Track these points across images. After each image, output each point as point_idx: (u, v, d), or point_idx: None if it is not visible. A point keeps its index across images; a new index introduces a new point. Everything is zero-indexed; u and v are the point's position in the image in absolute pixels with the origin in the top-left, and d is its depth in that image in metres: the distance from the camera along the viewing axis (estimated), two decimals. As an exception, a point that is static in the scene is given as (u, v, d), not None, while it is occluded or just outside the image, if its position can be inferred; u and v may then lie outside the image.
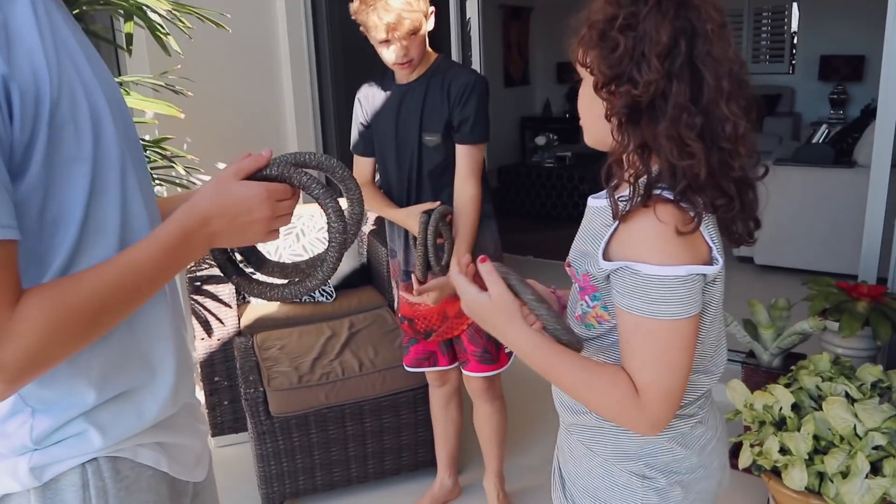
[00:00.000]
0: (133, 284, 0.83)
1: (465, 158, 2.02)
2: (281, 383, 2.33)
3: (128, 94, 2.00)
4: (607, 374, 1.01)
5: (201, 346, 2.76)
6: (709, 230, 1.00)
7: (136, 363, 0.92)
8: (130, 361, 0.91)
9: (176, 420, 0.99)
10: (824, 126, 5.65)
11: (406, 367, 2.29)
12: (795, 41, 7.88)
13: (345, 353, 2.52)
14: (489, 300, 1.06)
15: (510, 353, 2.20)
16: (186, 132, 3.27)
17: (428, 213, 1.89)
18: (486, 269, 1.07)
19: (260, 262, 1.10)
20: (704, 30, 0.95)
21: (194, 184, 3.24)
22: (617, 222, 1.01)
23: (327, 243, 1.01)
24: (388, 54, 1.94)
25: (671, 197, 0.97)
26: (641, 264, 0.96)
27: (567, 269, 1.17)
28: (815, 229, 4.52)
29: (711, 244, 1.00)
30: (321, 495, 2.50)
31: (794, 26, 7.86)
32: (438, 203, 1.98)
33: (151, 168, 2.20)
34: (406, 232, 2.12)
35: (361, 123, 2.14)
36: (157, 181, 2.06)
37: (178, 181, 2.60)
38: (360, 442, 2.44)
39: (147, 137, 2.83)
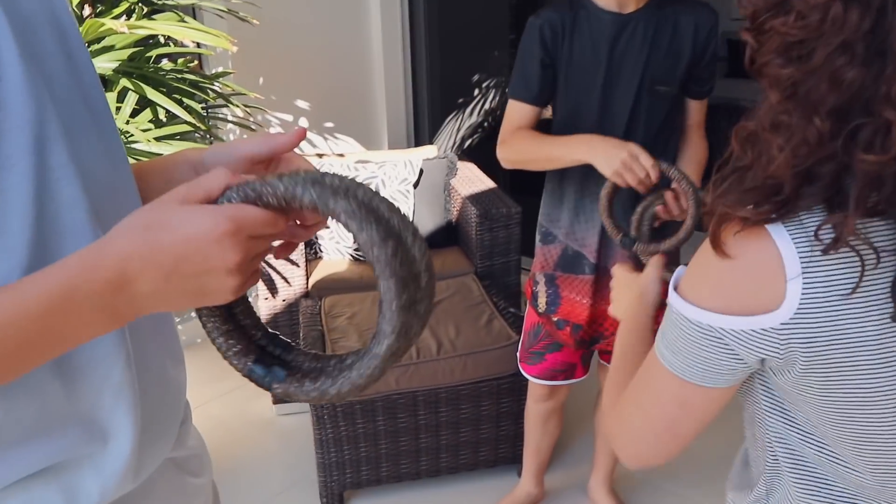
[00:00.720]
0: None
1: (701, 112, 1.72)
2: (347, 362, 2.04)
3: (181, 19, 1.69)
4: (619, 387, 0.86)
5: (265, 305, 2.51)
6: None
7: (70, 428, 0.60)
8: (56, 426, 0.59)
9: (147, 491, 0.68)
10: None
11: (532, 379, 1.91)
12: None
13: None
14: (636, 278, 1.06)
15: None
16: (261, 67, 2.97)
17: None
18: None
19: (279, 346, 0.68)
20: None
21: (261, 127, 2.95)
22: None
23: (378, 312, 0.60)
24: None
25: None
26: (674, 295, 0.74)
27: None
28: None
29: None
30: (385, 488, 2.23)
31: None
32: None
33: (209, 108, 1.90)
34: (606, 202, 1.56)
35: (541, 60, 1.61)
36: (211, 124, 1.75)
37: (252, 125, 2.31)
38: (432, 433, 2.15)
39: (221, 69, 2.55)
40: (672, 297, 0.73)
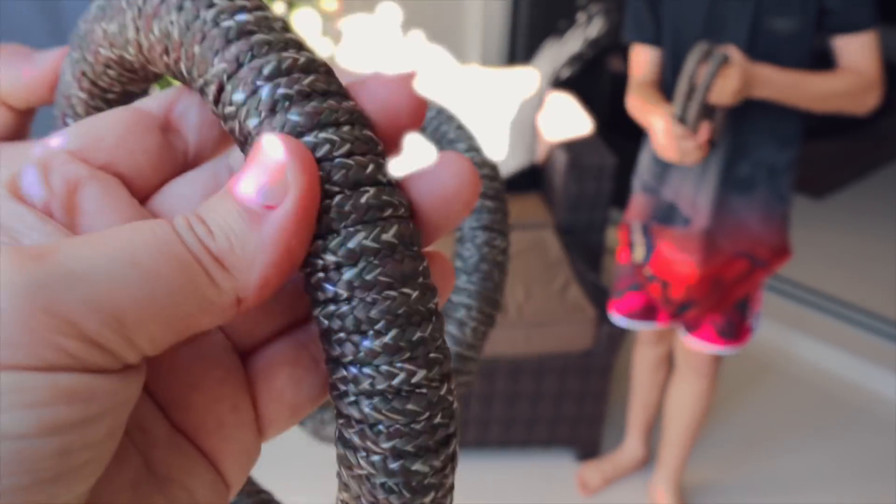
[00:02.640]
0: None
1: (858, 53, 1.24)
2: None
3: None
4: None
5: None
6: None
7: None
8: None
9: None
10: None
11: (619, 317, 1.69)
12: None
13: (487, 286, 1.96)
14: None
15: (752, 329, 1.59)
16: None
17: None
18: None
19: None
20: None
21: (333, 40, 2.68)
22: None
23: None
24: None
25: None
26: None
27: None
28: None
29: None
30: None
31: None
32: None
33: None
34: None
35: None
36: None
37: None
38: (484, 403, 1.93)
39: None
40: None
